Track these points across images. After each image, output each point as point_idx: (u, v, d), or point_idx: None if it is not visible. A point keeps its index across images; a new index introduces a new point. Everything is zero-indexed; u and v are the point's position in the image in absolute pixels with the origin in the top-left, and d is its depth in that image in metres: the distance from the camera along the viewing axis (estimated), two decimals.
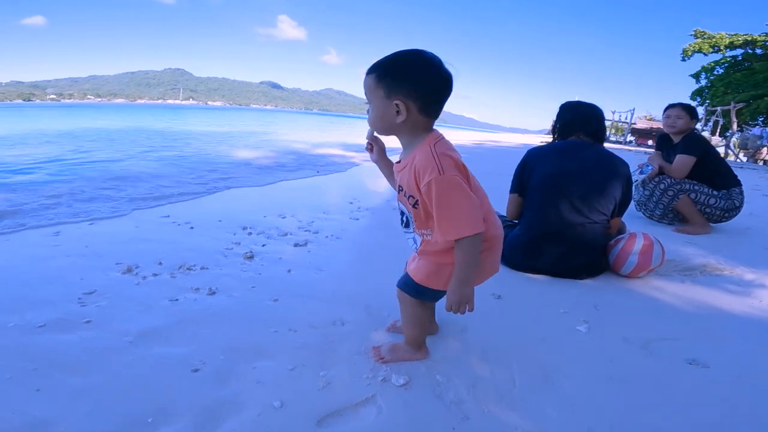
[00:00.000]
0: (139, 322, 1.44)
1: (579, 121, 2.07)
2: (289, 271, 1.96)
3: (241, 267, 2.00)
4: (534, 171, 2.00)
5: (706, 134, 21.73)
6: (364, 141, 1.32)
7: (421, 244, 1.17)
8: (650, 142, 31.67)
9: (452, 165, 1.01)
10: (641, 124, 32.00)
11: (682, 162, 3.03)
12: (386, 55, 1.06)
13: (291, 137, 13.46)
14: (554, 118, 2.19)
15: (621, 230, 2.22)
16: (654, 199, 3.21)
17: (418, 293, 1.21)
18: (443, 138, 1.07)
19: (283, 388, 1.12)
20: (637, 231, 2.10)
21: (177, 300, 1.63)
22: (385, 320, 1.52)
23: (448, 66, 1.05)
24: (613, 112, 34.54)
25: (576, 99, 2.22)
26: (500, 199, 2.19)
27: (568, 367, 1.31)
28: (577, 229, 1.93)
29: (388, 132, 1.12)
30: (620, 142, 30.92)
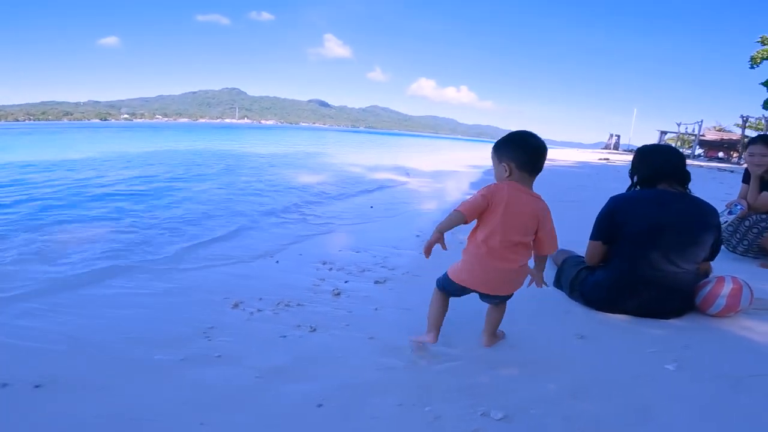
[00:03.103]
0: (260, 358, 1.66)
1: (667, 170, 2.07)
2: (376, 309, 2.14)
3: (331, 304, 2.20)
4: (626, 223, 2.00)
5: None
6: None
7: None
8: (720, 154, 29.47)
9: (489, 188, 1.59)
10: (710, 136, 29.89)
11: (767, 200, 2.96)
12: (506, 134, 1.71)
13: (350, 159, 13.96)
14: (633, 163, 2.18)
15: (707, 272, 2.20)
16: (738, 235, 3.15)
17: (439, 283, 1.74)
18: (511, 184, 1.60)
19: (396, 423, 1.28)
20: (723, 270, 2.11)
21: (286, 336, 1.85)
22: (480, 359, 1.64)
23: (539, 140, 1.65)
24: (679, 124, 32.60)
25: (653, 143, 2.25)
26: (559, 226, 2.27)
27: (662, 403, 1.38)
28: (669, 278, 1.96)
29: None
30: (687, 156, 29.05)
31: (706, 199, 2.05)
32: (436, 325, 1.73)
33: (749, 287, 2.06)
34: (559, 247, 2.85)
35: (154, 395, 1.42)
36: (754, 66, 23.64)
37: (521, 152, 1.63)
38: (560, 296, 2.29)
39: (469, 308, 2.09)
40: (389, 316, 2.08)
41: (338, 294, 2.33)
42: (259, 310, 2.12)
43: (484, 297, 1.71)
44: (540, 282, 1.70)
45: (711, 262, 2.25)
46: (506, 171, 1.62)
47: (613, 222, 2.04)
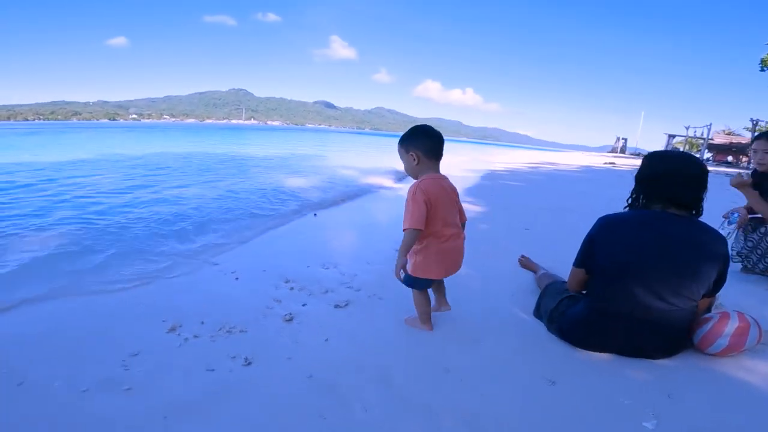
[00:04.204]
0: (175, 393, 1.47)
1: (668, 186, 1.64)
2: (326, 340, 1.90)
3: (279, 331, 1.97)
4: (603, 250, 1.69)
5: None
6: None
7: None
8: (729, 158, 28.94)
9: (420, 191, 1.76)
10: (719, 139, 29.32)
11: None
12: (407, 129, 1.92)
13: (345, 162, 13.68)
14: (636, 175, 1.77)
15: (710, 305, 1.87)
16: (759, 251, 2.75)
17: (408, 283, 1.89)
18: (429, 179, 1.81)
19: None
20: (732, 303, 1.81)
21: (214, 370, 1.63)
22: (421, 407, 1.41)
23: (438, 132, 1.89)
24: (687, 128, 32.13)
25: (663, 149, 1.86)
26: (552, 241, 2.01)
27: None
28: (654, 315, 1.64)
29: (413, 175, 1.90)
30: None
31: (705, 206, 1.68)
32: (428, 317, 1.96)
33: (758, 324, 1.77)
34: (544, 269, 2.58)
35: (30, 426, 1.28)
36: (765, 68, 23.19)
37: (427, 140, 1.84)
38: (539, 328, 2.01)
39: (426, 357, 1.86)
40: (339, 349, 1.83)
41: (290, 320, 2.10)
42: (195, 336, 1.91)
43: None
44: None
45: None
46: (414, 159, 1.83)
47: (591, 250, 1.74)
